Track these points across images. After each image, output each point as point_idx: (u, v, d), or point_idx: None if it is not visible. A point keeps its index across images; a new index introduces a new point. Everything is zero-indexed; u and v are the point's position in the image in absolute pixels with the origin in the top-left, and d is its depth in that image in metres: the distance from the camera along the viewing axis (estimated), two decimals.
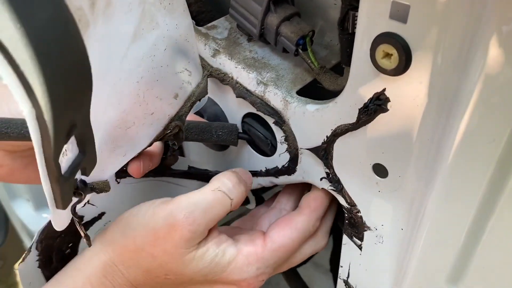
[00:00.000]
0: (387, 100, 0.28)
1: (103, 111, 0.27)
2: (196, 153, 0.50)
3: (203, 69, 0.38)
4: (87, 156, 0.25)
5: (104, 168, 0.31)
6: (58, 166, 0.22)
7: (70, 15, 0.19)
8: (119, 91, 0.28)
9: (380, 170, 0.31)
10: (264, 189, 0.49)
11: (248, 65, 0.37)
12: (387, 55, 0.26)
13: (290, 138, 0.37)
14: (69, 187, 0.25)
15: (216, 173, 0.39)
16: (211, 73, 0.39)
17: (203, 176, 0.47)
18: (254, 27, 0.36)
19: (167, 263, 0.33)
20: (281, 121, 0.36)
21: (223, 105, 0.41)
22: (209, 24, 0.40)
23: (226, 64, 0.38)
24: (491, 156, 0.23)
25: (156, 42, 0.30)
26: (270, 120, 0.37)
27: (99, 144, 0.27)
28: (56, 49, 0.18)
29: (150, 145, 0.36)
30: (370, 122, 0.30)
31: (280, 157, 0.39)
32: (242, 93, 0.37)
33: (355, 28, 0.27)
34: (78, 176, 0.27)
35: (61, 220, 0.29)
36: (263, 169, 0.41)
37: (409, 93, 0.26)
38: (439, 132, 0.26)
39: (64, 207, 0.25)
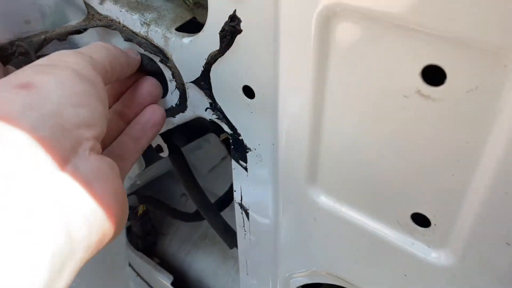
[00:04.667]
0: (239, 20, 0.31)
1: None
2: None
3: (92, 19, 0.40)
4: None
5: None
6: None
7: None
8: None
9: (248, 92, 0.34)
10: (176, 136, 0.51)
11: (132, 8, 0.39)
12: None
13: (176, 74, 0.39)
14: None
15: None
16: (97, 24, 0.40)
17: None
18: None
19: None
20: (165, 58, 0.38)
21: None
22: None
23: (112, 9, 0.40)
24: (309, 54, 0.27)
25: None
26: (156, 59, 0.39)
27: None
28: None
29: None
30: (231, 45, 0.32)
31: (172, 95, 0.41)
32: (129, 35, 0.39)
33: None
34: None
35: None
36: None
37: (254, 11, 0.29)
38: (277, 43, 0.29)
39: None
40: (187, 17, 0.39)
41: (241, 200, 0.42)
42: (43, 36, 0.42)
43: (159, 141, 0.53)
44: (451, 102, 0.22)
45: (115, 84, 0.39)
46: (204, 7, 0.37)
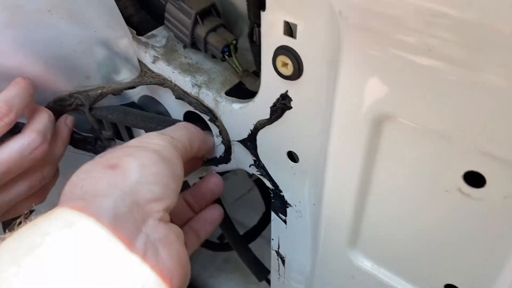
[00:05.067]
0: (290, 99, 0.34)
1: None
2: None
3: (145, 75, 0.44)
4: None
5: None
6: None
7: None
8: (4, 50, 0.39)
9: (292, 157, 0.38)
10: None
11: (184, 70, 0.42)
12: (285, 64, 0.32)
13: (223, 132, 0.42)
14: None
15: None
16: (151, 81, 0.44)
17: None
18: (186, 37, 0.41)
19: None
20: (214, 118, 0.42)
21: (166, 104, 0.47)
22: (149, 34, 0.45)
23: (164, 69, 0.43)
24: (360, 143, 0.30)
25: (62, 35, 0.39)
26: (206, 117, 0.43)
27: None
28: None
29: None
30: (280, 117, 0.36)
31: (218, 149, 0.45)
32: (180, 94, 0.43)
33: (260, 41, 0.33)
34: None
35: None
36: (204, 159, 0.47)
37: (305, 93, 0.33)
38: (326, 124, 0.32)
39: None
40: (235, 81, 0.42)
41: (278, 248, 0.45)
42: (99, 91, 0.45)
43: (194, 179, 0.57)
44: (489, 203, 0.25)
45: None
46: (252, 76, 0.40)
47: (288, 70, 0.32)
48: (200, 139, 0.41)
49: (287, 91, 0.34)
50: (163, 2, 0.43)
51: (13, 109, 0.39)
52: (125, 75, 0.45)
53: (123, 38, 0.41)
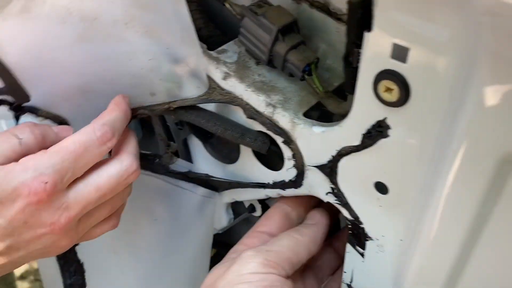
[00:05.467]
0: (387, 127, 0.31)
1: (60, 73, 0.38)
2: (203, 162, 0.53)
3: (213, 92, 0.42)
4: (12, 91, 0.38)
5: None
6: None
7: None
8: (73, 66, 0.38)
9: (381, 188, 0.35)
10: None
11: (258, 88, 0.40)
12: (388, 89, 0.29)
13: (297, 156, 0.40)
14: None
15: (218, 180, 0.44)
16: (220, 99, 0.41)
17: (202, 181, 0.50)
18: (263, 54, 0.39)
19: None
20: (289, 140, 0.39)
21: None
22: (220, 48, 0.43)
23: (236, 87, 0.41)
24: (481, 184, 0.27)
25: (133, 50, 0.38)
26: (279, 140, 0.40)
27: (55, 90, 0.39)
28: None
29: None
30: (372, 145, 0.33)
31: (288, 172, 0.42)
32: (252, 114, 0.40)
33: (359, 63, 0.30)
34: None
35: None
36: (270, 182, 0.45)
37: (409, 123, 0.30)
38: (436, 157, 0.29)
39: None
40: (312, 101, 0.39)
41: (351, 281, 0.42)
42: (166, 106, 0.43)
43: (252, 201, 0.54)
44: None
45: None
46: (334, 97, 0.37)
47: (392, 96, 0.29)
48: (307, 246, 0.40)
49: (385, 118, 0.31)
50: (238, 17, 0.41)
51: (115, 134, 0.37)
52: (192, 92, 0.42)
53: (194, 54, 0.39)
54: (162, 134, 0.46)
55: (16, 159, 0.35)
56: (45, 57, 0.36)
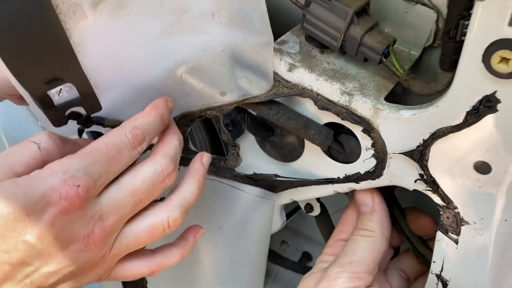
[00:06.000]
0: (497, 101, 0.29)
1: (130, 73, 0.35)
2: (256, 162, 0.49)
3: (278, 85, 0.39)
4: (86, 101, 0.35)
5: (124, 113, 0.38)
6: (46, 99, 0.34)
7: (49, 4, 0.28)
8: (148, 63, 0.35)
9: (482, 168, 0.33)
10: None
11: (330, 76, 0.38)
12: (505, 60, 0.27)
13: (378, 144, 0.38)
14: (60, 114, 0.35)
15: (284, 180, 0.43)
16: (289, 92, 0.39)
17: (267, 183, 0.48)
18: (335, 40, 0.37)
19: None
20: (369, 129, 0.37)
21: None
22: (279, 39, 0.41)
23: (304, 77, 0.39)
24: None
25: (209, 43, 0.35)
26: (357, 129, 0.38)
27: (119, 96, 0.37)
28: (25, 25, 0.28)
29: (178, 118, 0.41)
30: (476, 123, 0.31)
31: (364, 163, 0.40)
32: (325, 104, 0.38)
33: (463, 36, 0.29)
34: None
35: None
36: (341, 176, 0.43)
37: None
38: None
39: (58, 126, 0.36)
40: (389, 86, 0.38)
41: (441, 271, 0.40)
42: (235, 105, 0.41)
43: (310, 200, 0.52)
44: None
45: None
46: (418, 78, 0.36)
47: (509, 67, 0.27)
48: (381, 237, 0.41)
49: (495, 92, 0.29)
50: (298, 4, 0.38)
51: (146, 138, 0.34)
52: (260, 88, 0.40)
53: (267, 44, 0.37)
54: (227, 134, 0.43)
55: (39, 167, 0.31)
56: (124, 56, 0.33)
